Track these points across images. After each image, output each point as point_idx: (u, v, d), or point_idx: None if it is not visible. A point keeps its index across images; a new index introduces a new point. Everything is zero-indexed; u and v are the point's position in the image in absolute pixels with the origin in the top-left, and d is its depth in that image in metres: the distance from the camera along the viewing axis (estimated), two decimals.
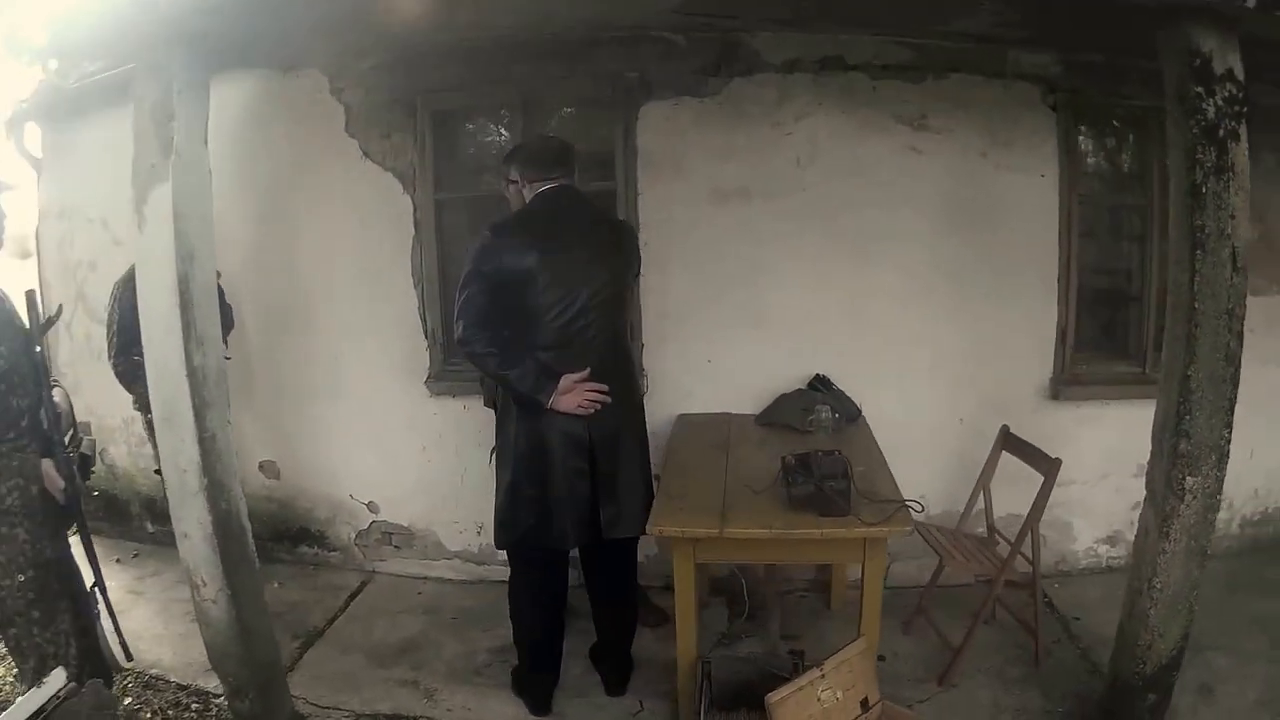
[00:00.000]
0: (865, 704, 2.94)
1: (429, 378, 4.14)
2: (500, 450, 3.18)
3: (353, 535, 4.42)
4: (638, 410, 3.24)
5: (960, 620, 3.67)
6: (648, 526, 2.88)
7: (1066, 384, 3.88)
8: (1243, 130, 2.53)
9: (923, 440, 3.83)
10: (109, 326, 3.71)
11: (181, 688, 3.38)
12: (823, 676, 2.85)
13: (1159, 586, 2.77)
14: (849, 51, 3.68)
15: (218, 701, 3.21)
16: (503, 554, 4.11)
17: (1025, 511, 3.72)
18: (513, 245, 2.86)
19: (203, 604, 2.99)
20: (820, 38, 3.65)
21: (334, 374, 4.22)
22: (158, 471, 3.72)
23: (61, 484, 2.46)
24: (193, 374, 2.86)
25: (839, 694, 2.88)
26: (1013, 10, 3.02)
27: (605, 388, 2.96)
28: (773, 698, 2.72)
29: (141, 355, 3.59)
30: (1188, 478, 2.68)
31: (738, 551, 3.00)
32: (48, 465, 2.43)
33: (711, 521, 2.84)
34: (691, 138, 3.77)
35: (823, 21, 3.45)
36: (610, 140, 3.82)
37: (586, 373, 2.94)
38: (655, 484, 3.99)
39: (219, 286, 3.90)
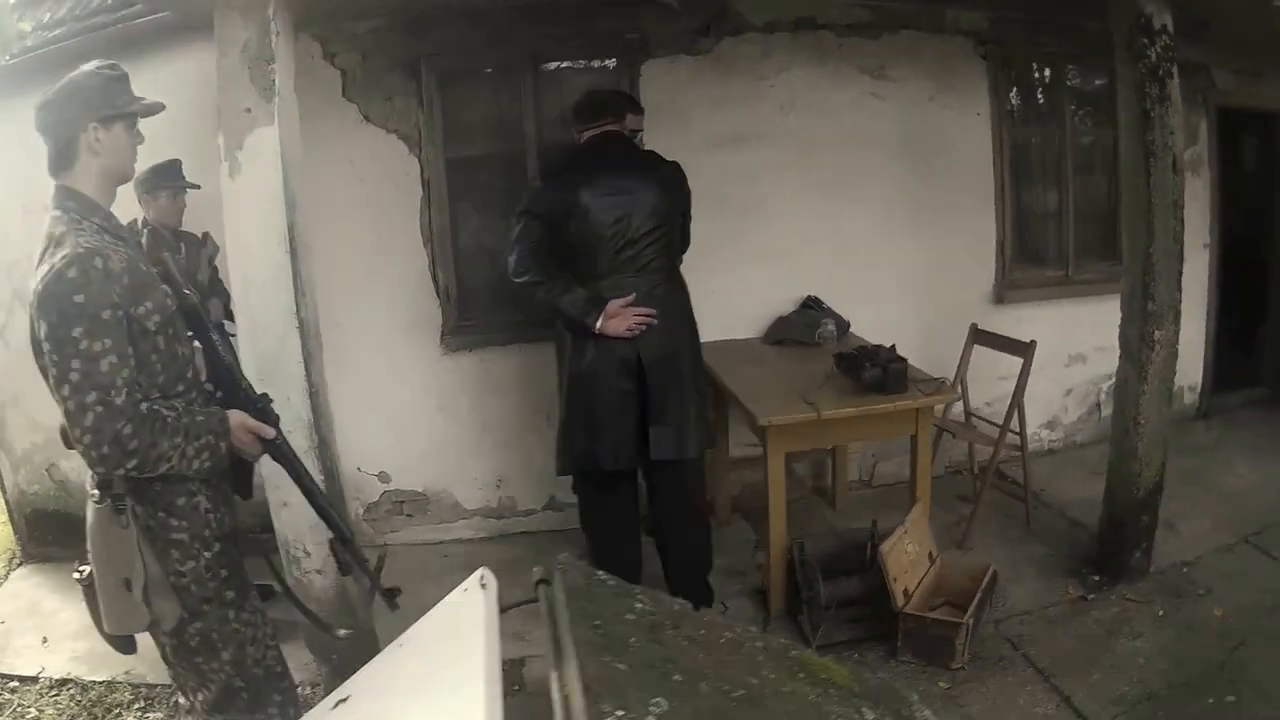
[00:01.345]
0: (931, 556, 3.42)
1: (443, 334, 4.20)
2: (559, 379, 3.34)
3: (361, 510, 4.36)
4: (693, 336, 3.35)
5: (947, 503, 4.27)
6: (761, 418, 3.19)
7: (1008, 289, 4.60)
8: (1175, 70, 3.27)
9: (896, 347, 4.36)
10: None
11: None
12: (906, 533, 3.31)
13: (1142, 423, 3.43)
14: (819, 12, 4.19)
15: None
16: (524, 505, 4.41)
17: (986, 403, 4.40)
18: (561, 184, 3.11)
19: (305, 577, 2.94)
20: (795, 0, 4.13)
21: (338, 343, 4.14)
22: None
23: (271, 433, 2.04)
24: (302, 325, 2.86)
25: (916, 547, 3.34)
26: None
27: (653, 311, 3.11)
28: (884, 548, 3.14)
29: None
30: (1156, 331, 3.38)
31: (821, 435, 3.40)
32: (242, 416, 2.01)
33: (807, 409, 3.22)
34: (689, 91, 4.12)
35: None
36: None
37: (632, 297, 3.10)
38: None
39: (214, 264, 3.83)
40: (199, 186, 3.55)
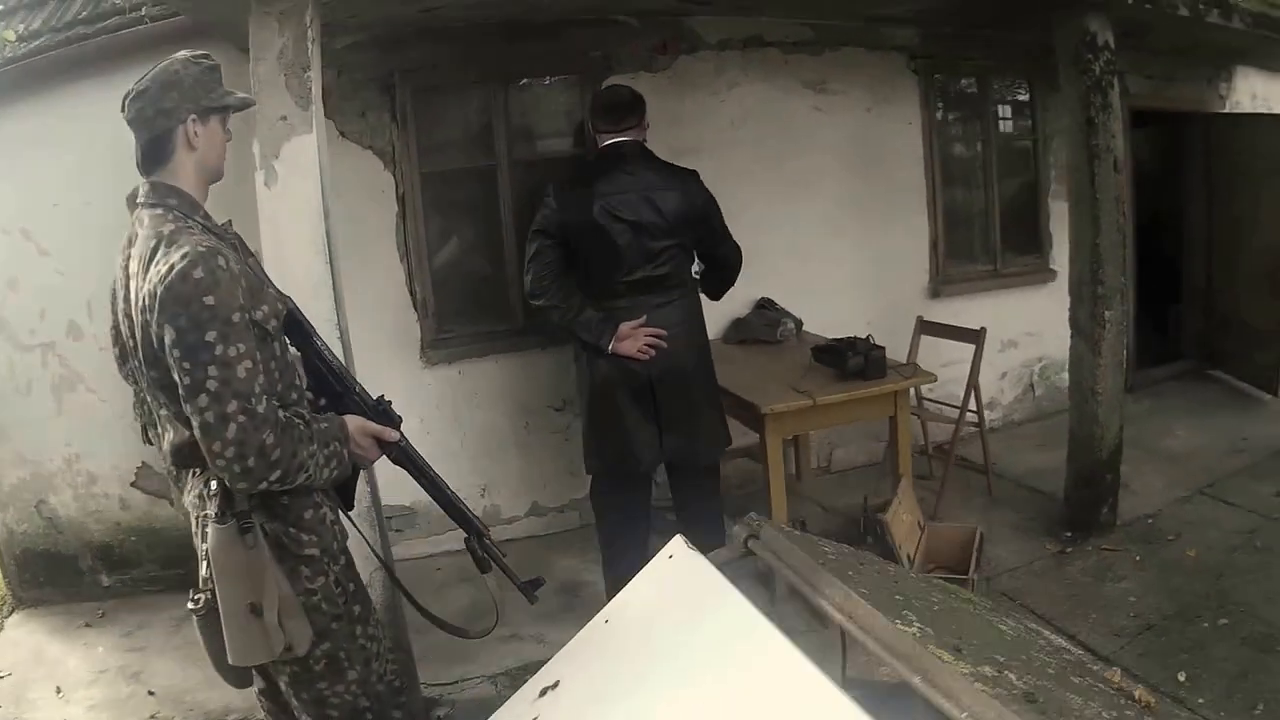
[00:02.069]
0: (920, 526, 3.70)
1: (423, 348, 4.22)
2: (578, 385, 3.44)
3: None
4: (703, 347, 3.41)
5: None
6: (763, 407, 3.38)
7: (943, 284, 5.03)
8: (1116, 81, 3.72)
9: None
10: None
11: None
12: (900, 503, 3.57)
13: (1100, 391, 3.85)
14: (766, 32, 4.50)
15: None
16: (509, 512, 4.50)
17: (929, 388, 4.75)
18: (574, 202, 3.12)
19: None
20: (745, 20, 4.42)
21: None
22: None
23: (396, 436, 1.97)
24: (343, 334, 2.87)
25: (909, 517, 3.61)
26: None
27: (663, 332, 3.16)
28: (887, 518, 3.39)
29: None
30: (1106, 312, 3.81)
31: (813, 420, 3.67)
32: (361, 421, 1.92)
33: (802, 398, 3.46)
34: (649, 106, 4.27)
35: (779, 6, 4.27)
36: (581, 110, 4.25)
37: (643, 319, 3.16)
38: None
39: None
40: None
